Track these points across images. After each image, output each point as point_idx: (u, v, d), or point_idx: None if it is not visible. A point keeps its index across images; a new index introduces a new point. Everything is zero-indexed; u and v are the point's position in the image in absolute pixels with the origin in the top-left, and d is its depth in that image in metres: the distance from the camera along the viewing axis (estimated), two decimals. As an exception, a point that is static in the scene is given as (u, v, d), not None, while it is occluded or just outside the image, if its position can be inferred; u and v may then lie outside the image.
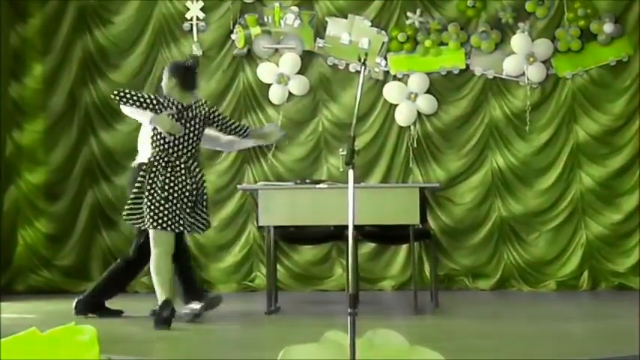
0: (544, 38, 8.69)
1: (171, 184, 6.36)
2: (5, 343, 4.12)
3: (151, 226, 6.38)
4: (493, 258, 8.80)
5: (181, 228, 6.42)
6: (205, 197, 6.61)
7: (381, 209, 6.93)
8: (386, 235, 7.67)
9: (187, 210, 6.44)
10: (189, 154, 6.46)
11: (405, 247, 8.67)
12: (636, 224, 8.60)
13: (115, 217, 9.10)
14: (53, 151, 9.10)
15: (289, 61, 8.87)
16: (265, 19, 8.98)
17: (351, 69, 8.89)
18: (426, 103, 8.81)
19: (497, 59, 8.75)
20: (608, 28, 8.58)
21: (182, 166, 6.41)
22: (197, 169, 6.53)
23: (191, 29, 9.02)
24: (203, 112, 6.52)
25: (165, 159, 6.40)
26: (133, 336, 6.17)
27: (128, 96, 6.39)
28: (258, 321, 6.89)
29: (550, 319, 6.85)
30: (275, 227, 7.21)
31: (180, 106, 6.44)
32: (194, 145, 6.49)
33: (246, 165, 9.04)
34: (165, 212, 6.33)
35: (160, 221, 6.34)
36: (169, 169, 6.38)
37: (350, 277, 4.14)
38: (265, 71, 8.93)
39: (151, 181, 6.38)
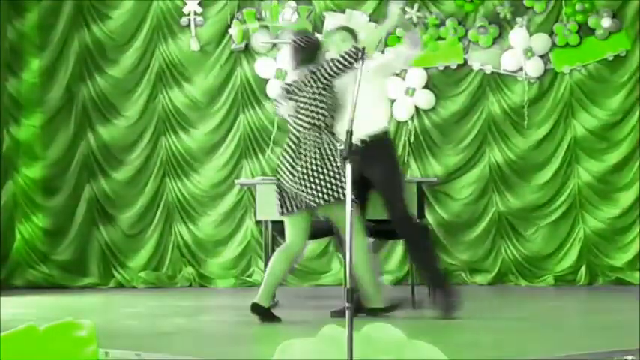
0: (542, 33, 8.69)
1: (278, 167, 6.42)
2: (3, 338, 4.11)
3: None
4: (491, 253, 8.81)
5: (283, 211, 6.37)
6: (315, 168, 6.25)
7: (378, 204, 6.92)
8: (384, 230, 7.67)
9: (294, 189, 6.27)
10: (300, 127, 6.33)
11: (402, 241, 8.66)
12: (633, 219, 8.61)
13: (112, 212, 9.11)
14: (51, 145, 9.09)
15: (287, 56, 8.85)
16: (263, 14, 8.97)
17: (349, 64, 8.88)
18: (424, 98, 8.81)
19: (495, 54, 8.75)
20: (605, 22, 8.58)
21: (295, 142, 6.35)
22: (308, 143, 6.30)
23: (189, 24, 9.01)
24: (301, 80, 6.40)
25: (288, 143, 6.43)
26: (132, 330, 6.17)
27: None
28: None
29: (548, 314, 6.86)
30: (273, 222, 7.20)
31: (284, 87, 6.54)
32: (305, 114, 6.33)
33: (244, 160, 9.04)
34: (277, 197, 6.42)
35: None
36: (285, 152, 6.40)
37: (348, 271, 4.14)
38: (263, 66, 8.92)
39: None
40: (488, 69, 8.78)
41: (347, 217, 4.10)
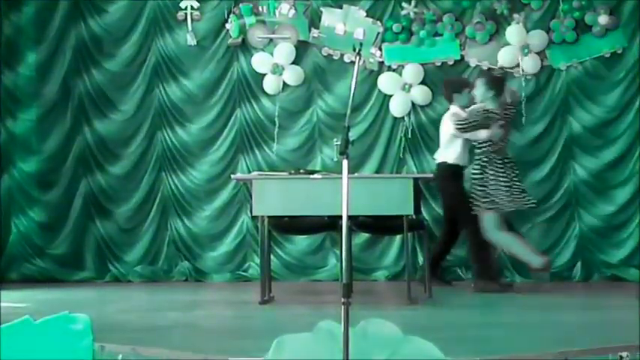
0: (539, 29, 8.69)
1: None
2: (-1, 331, 4.11)
3: None
4: (486, 249, 8.80)
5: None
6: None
7: (375, 200, 6.93)
8: (380, 226, 7.68)
9: None
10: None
11: (398, 237, 8.68)
12: (629, 216, 8.63)
13: (108, 206, 9.10)
14: (47, 139, 9.07)
15: (284, 51, 8.85)
16: (260, 9, 8.96)
17: (346, 59, 8.88)
18: (421, 94, 8.81)
19: (492, 50, 8.75)
20: (602, 19, 8.59)
21: None
22: None
23: (185, 18, 9.00)
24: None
25: None
26: (127, 325, 6.17)
27: None
28: (251, 310, 6.89)
29: (543, 310, 6.87)
30: (269, 217, 7.21)
31: None
32: None
33: (240, 155, 9.04)
34: None
35: None
36: None
37: (344, 267, 4.14)
38: (260, 61, 8.91)
39: None
40: (485, 65, 8.78)
41: (343, 211, 4.09)
